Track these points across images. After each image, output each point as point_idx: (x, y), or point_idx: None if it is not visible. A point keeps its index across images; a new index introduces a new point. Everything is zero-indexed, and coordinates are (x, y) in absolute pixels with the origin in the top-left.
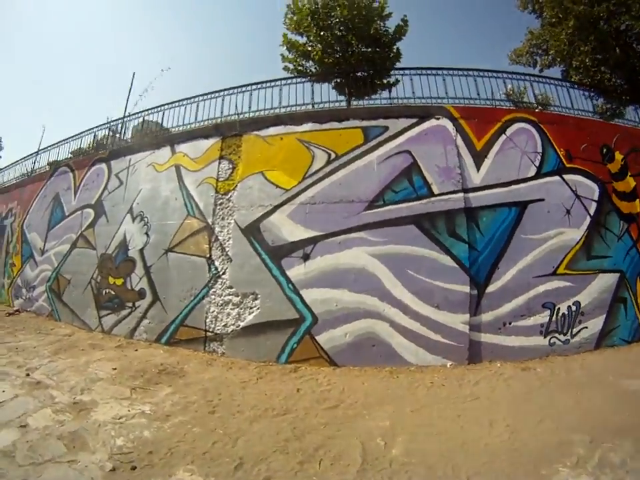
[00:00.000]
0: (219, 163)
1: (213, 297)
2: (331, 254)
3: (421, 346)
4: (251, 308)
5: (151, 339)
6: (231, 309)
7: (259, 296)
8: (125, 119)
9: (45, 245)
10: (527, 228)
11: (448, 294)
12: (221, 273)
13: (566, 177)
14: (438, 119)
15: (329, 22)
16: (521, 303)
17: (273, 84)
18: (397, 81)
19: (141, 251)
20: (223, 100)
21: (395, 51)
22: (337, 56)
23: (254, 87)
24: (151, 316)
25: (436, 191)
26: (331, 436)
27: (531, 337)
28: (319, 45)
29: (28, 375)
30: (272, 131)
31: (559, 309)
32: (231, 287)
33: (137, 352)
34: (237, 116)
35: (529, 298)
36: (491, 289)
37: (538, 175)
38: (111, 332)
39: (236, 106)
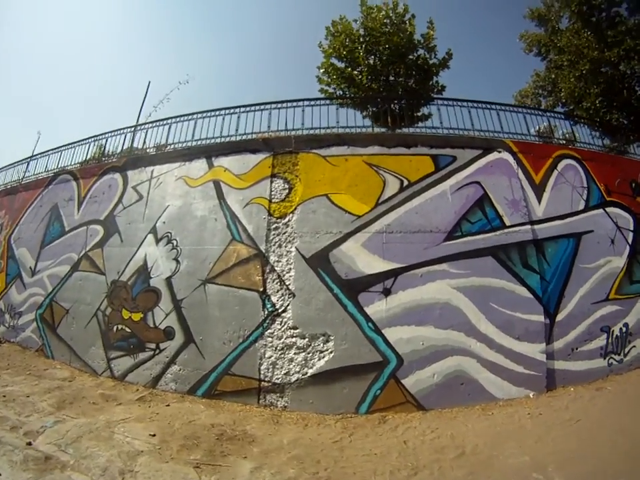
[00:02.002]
0: (271, 182)
1: (269, 339)
2: (414, 288)
3: (505, 379)
4: (321, 352)
5: (182, 389)
6: (294, 353)
7: (331, 337)
8: (146, 126)
9: (36, 263)
10: (582, 258)
11: (527, 325)
12: (280, 310)
13: (608, 209)
14: (500, 152)
15: (378, 47)
16: (584, 329)
17: (316, 102)
18: (431, 114)
19: (169, 280)
20: (270, 113)
21: (435, 82)
22: (383, 83)
23: (307, 102)
24: (182, 361)
25: (507, 223)
26: None
27: (593, 360)
28: (365, 70)
29: (29, 444)
30: (334, 150)
31: (613, 331)
32: (294, 328)
33: (169, 407)
34: (285, 132)
35: (590, 323)
36: (560, 317)
37: (586, 209)
38: (124, 379)
39: (286, 122)
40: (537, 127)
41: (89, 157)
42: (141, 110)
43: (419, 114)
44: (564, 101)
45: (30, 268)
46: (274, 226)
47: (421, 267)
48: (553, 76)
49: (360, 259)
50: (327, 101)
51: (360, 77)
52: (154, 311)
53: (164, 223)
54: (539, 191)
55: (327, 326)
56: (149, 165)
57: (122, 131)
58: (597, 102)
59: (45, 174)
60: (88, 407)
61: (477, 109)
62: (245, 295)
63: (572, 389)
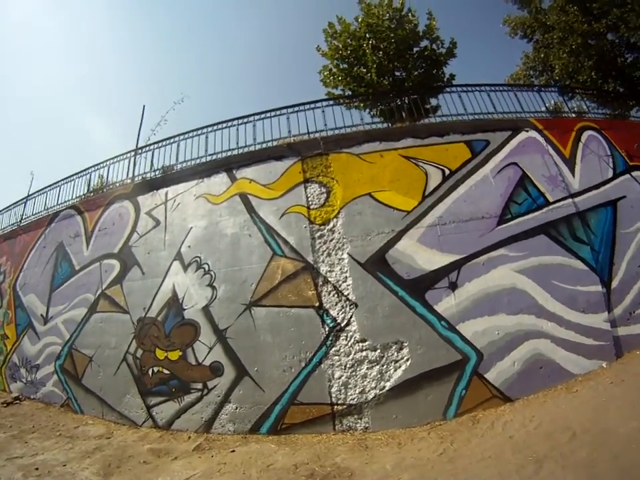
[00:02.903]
0: (305, 188)
1: (336, 357)
2: (478, 277)
3: (579, 354)
4: (396, 361)
5: (242, 429)
6: (367, 368)
7: (404, 344)
8: (151, 147)
9: (48, 310)
10: (621, 223)
11: (588, 296)
12: (342, 324)
13: (633, 174)
14: (527, 131)
15: (384, 43)
16: (637, 292)
17: (329, 103)
18: (439, 106)
19: (206, 309)
20: (288, 118)
21: (442, 73)
22: (394, 78)
23: (325, 103)
24: (237, 398)
25: (550, 199)
26: None
27: None
28: (373, 67)
29: None
30: (366, 147)
31: None
32: (362, 340)
33: (235, 454)
34: (307, 135)
35: None
36: (614, 284)
37: (614, 176)
38: (170, 427)
39: (312, 124)
40: (547, 105)
41: (90, 189)
42: (139, 135)
43: (428, 106)
44: (557, 78)
45: (41, 315)
46: (318, 234)
47: (480, 255)
48: (542, 55)
49: (419, 255)
50: (340, 102)
51: (369, 74)
52: (194, 346)
53: (189, 247)
54: (570, 164)
55: (398, 332)
56: (161, 187)
57: (124, 156)
58: (593, 74)
59: (45, 213)
60: (140, 469)
61: (496, 92)
62: (299, 314)
63: (638, 352)
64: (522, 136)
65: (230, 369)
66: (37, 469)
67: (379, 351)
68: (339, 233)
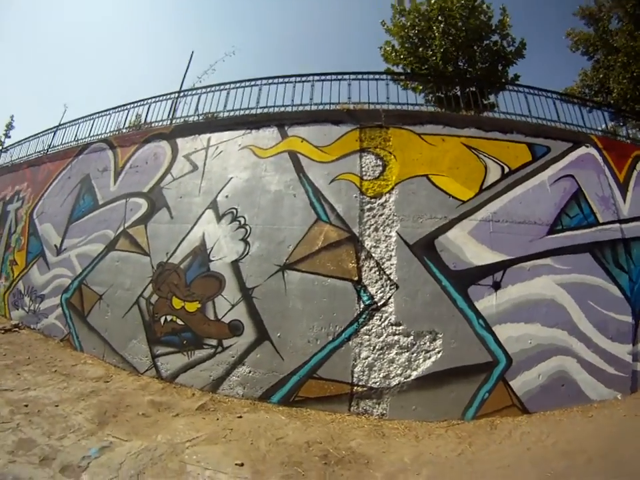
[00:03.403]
0: (361, 157)
1: (366, 337)
2: (522, 282)
3: (599, 380)
4: (427, 351)
5: (251, 395)
6: (396, 353)
7: (439, 335)
8: (198, 91)
9: (62, 241)
10: None
11: (619, 325)
12: (379, 303)
13: None
14: (587, 146)
15: (454, 29)
16: None
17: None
18: (496, 104)
19: (235, 264)
20: (349, 84)
21: (506, 72)
22: (457, 66)
23: (389, 77)
24: (253, 362)
25: (600, 220)
26: None
27: None
28: (439, 51)
29: None
30: (429, 129)
31: None
32: (397, 324)
33: (242, 420)
34: (367, 105)
35: None
36: None
37: None
38: (174, 380)
39: (372, 96)
40: (605, 126)
41: (125, 125)
42: (183, 80)
43: (486, 102)
44: (612, 101)
45: (55, 246)
46: (367, 206)
47: (527, 260)
48: (601, 76)
49: (468, 248)
50: (398, 79)
51: (434, 57)
52: (215, 300)
53: (226, 197)
54: (623, 189)
55: (435, 322)
56: (204, 133)
57: (166, 97)
58: None
59: (75, 144)
60: (138, 421)
61: (561, 100)
62: (335, 285)
63: None
64: (582, 150)
65: (250, 330)
66: (26, 405)
67: (411, 337)
68: (390, 210)
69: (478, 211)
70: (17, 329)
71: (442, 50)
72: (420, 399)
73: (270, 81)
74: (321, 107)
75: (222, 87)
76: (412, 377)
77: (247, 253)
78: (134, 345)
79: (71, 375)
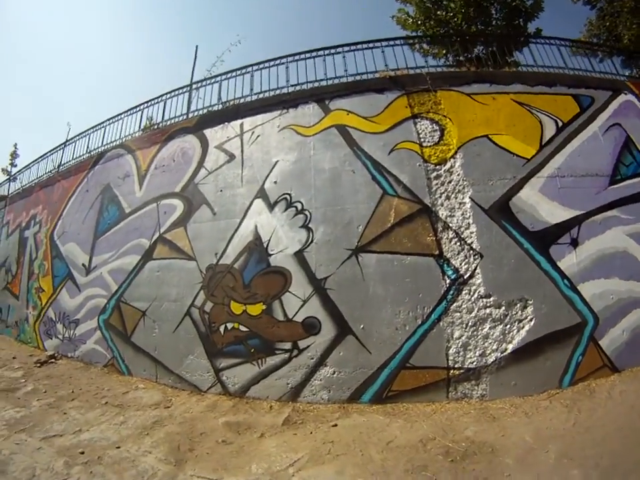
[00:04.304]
0: (415, 124)
1: (457, 314)
2: (595, 236)
3: None
4: (520, 321)
5: (338, 398)
6: (490, 327)
7: (529, 302)
8: (218, 78)
9: (91, 259)
10: None
11: None
12: (465, 276)
13: None
14: (626, 94)
15: None
16: None
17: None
18: (519, 62)
19: (300, 254)
20: (383, 51)
21: (525, 26)
22: (478, 26)
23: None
24: (336, 361)
25: None
26: None
27: None
28: (460, 12)
29: None
30: (476, 88)
31: None
32: (487, 296)
33: (338, 429)
34: (406, 71)
35: None
36: None
37: None
38: (244, 394)
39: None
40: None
41: (140, 128)
42: (192, 74)
43: (510, 59)
44: (623, 47)
45: (83, 265)
46: (434, 174)
47: (597, 214)
48: (607, 24)
49: (541, 207)
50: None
51: (455, 19)
52: (282, 298)
53: (275, 183)
54: None
55: (523, 289)
56: (233, 119)
57: (181, 90)
58: None
59: (88, 156)
60: (221, 452)
61: (594, 50)
62: (416, 262)
63: None
64: (622, 98)
65: (329, 325)
66: (82, 452)
67: (503, 308)
68: (458, 175)
69: (543, 167)
70: (53, 360)
71: (462, 10)
72: (518, 372)
73: (297, 57)
74: (357, 78)
75: (244, 70)
76: (508, 351)
77: (312, 241)
78: (191, 361)
79: (125, 406)
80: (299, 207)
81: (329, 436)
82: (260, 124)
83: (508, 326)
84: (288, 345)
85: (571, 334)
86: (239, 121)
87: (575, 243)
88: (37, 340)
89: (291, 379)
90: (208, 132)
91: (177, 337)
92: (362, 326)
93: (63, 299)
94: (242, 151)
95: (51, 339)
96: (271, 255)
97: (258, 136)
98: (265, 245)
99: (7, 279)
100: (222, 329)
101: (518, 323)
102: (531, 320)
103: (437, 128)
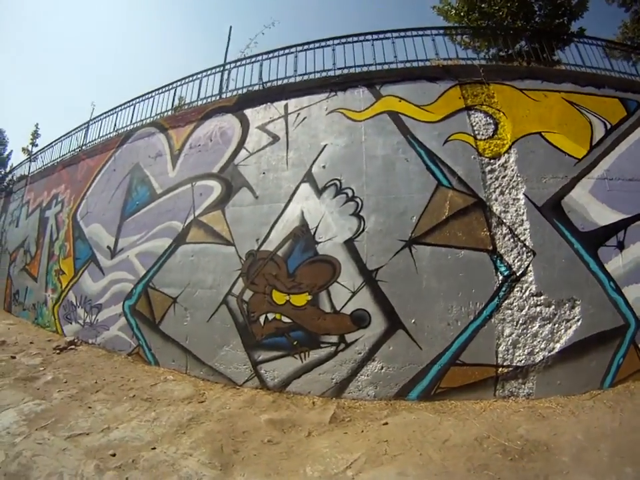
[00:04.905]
0: (469, 115)
1: (508, 311)
2: None
3: None
4: (568, 321)
5: (386, 394)
6: (539, 326)
7: (577, 302)
8: (259, 57)
9: (117, 241)
10: None
11: None
12: (518, 273)
13: None
14: None
15: None
16: None
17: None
18: (560, 61)
19: (349, 243)
20: (433, 40)
21: (568, 25)
22: (521, 21)
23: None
24: (385, 356)
25: None
26: None
27: None
28: (506, 5)
29: None
30: (529, 84)
31: None
32: (538, 294)
33: (389, 427)
34: (460, 61)
35: None
36: None
37: None
38: (284, 389)
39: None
40: None
41: (169, 108)
42: (226, 55)
43: (553, 58)
44: None
45: (108, 248)
46: (488, 168)
47: None
48: None
49: (591, 208)
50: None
51: (500, 12)
52: (330, 289)
53: (324, 167)
54: None
55: (573, 289)
56: (276, 100)
57: (216, 70)
58: None
59: (115, 134)
60: (268, 453)
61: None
62: (470, 257)
63: None
64: None
65: (379, 319)
66: (113, 455)
67: (553, 307)
68: (513, 170)
69: (593, 168)
70: (73, 346)
71: (507, 4)
72: (563, 372)
73: (344, 40)
74: (407, 65)
75: (287, 50)
76: (556, 350)
77: (363, 230)
78: (226, 352)
79: (155, 399)
80: (350, 193)
81: (381, 435)
82: (306, 106)
83: (556, 325)
84: (334, 338)
85: (614, 336)
86: (283, 102)
87: (621, 246)
88: (55, 324)
89: (336, 374)
90: (249, 112)
91: (211, 326)
92: (413, 320)
93: (84, 283)
94: (287, 133)
95: (71, 323)
96: (318, 242)
97: (304, 118)
98: (312, 232)
99: (25, 260)
100: (262, 319)
101: (566, 323)
102: (578, 320)
103: (491, 121)
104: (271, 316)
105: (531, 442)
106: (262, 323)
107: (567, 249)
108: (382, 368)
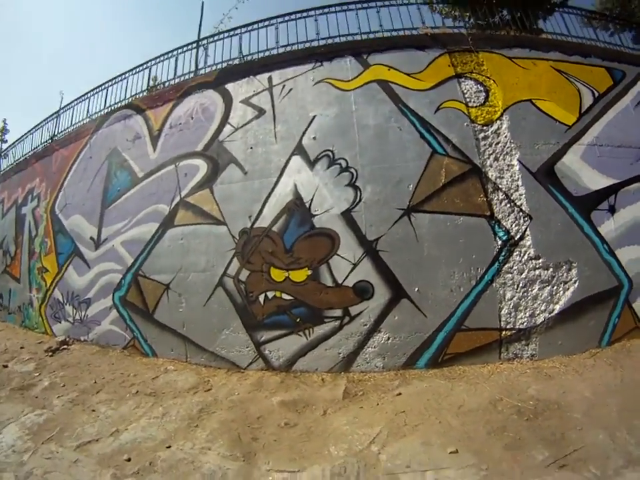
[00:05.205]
0: (459, 83)
1: (508, 275)
2: (631, 205)
3: None
4: (565, 282)
5: (394, 365)
6: (539, 288)
7: (574, 264)
8: (238, 31)
9: (100, 231)
10: None
11: None
12: (516, 238)
13: None
14: None
15: None
16: None
17: None
18: (541, 30)
19: (347, 214)
20: (419, 8)
21: None
22: None
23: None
24: (390, 326)
25: None
26: None
27: None
28: None
29: None
30: (517, 52)
31: None
32: (537, 257)
33: (403, 397)
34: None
35: None
36: None
37: None
38: (290, 368)
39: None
40: None
41: (144, 88)
42: (199, 32)
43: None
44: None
45: (91, 239)
46: (481, 135)
47: (631, 184)
48: None
49: (583, 173)
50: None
51: None
52: (330, 262)
53: (314, 138)
54: None
55: (569, 251)
56: (259, 73)
57: (190, 46)
58: None
59: (88, 120)
60: (288, 437)
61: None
62: (468, 223)
63: None
64: None
65: (382, 289)
66: (128, 460)
67: (551, 269)
68: (506, 137)
69: (583, 135)
70: (65, 346)
71: None
72: (564, 332)
73: (327, 10)
74: (393, 34)
75: (267, 22)
76: (555, 311)
77: (360, 200)
78: (227, 336)
79: (159, 393)
80: (344, 164)
81: (397, 406)
82: (291, 77)
83: (555, 287)
84: (338, 312)
85: (609, 296)
86: (267, 74)
87: (612, 210)
88: (44, 325)
89: (343, 348)
90: (231, 86)
91: (209, 310)
92: (417, 288)
93: (70, 278)
94: (273, 106)
95: (60, 322)
96: (314, 215)
97: (290, 89)
98: (307, 205)
99: (5, 262)
100: (261, 298)
101: (564, 285)
102: (575, 282)
103: (482, 89)
104: (270, 294)
105: (543, 401)
106: (262, 302)
107: (561, 213)
108: (388, 338)
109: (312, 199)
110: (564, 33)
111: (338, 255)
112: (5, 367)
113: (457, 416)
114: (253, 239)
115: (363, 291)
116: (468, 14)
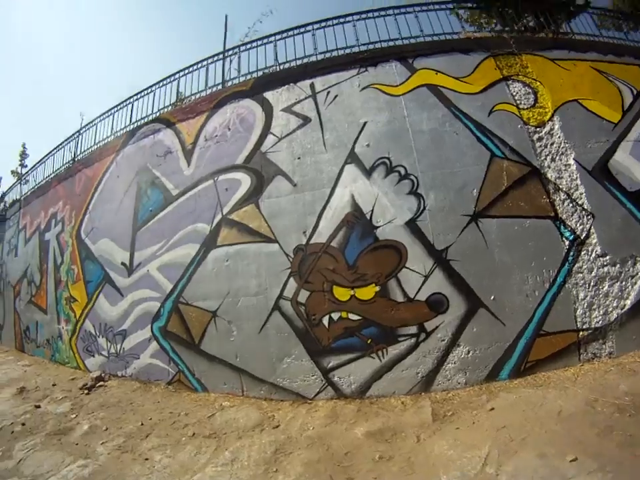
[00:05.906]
0: (507, 85)
1: (579, 275)
2: None
3: None
4: (632, 277)
5: (476, 379)
6: (609, 285)
7: (638, 258)
8: (271, 39)
9: (132, 256)
10: None
11: None
12: (582, 236)
13: None
14: None
15: None
16: None
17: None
18: (568, 33)
19: (411, 224)
20: (446, 14)
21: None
22: None
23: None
24: (469, 339)
25: None
26: None
27: None
28: None
29: None
30: (557, 54)
31: None
32: (603, 255)
33: (496, 412)
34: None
35: None
36: None
37: None
38: (364, 394)
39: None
40: None
41: (172, 101)
42: (224, 45)
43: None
44: None
45: (123, 264)
46: (536, 136)
47: None
48: None
49: (635, 169)
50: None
51: None
52: (398, 276)
53: (368, 146)
54: None
55: (631, 246)
56: (300, 80)
57: (218, 57)
58: None
59: (113, 137)
60: (389, 470)
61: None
62: (535, 225)
63: None
64: None
65: (457, 300)
66: None
67: (618, 265)
68: (559, 137)
69: (629, 131)
70: (102, 383)
71: None
72: (637, 327)
73: (364, 15)
74: (435, 38)
75: (303, 29)
76: (627, 307)
77: (424, 208)
78: (289, 364)
79: (220, 434)
80: (402, 171)
81: (495, 422)
82: (335, 83)
83: (624, 283)
84: (413, 329)
85: None
86: (308, 81)
87: None
88: (75, 359)
89: (421, 367)
90: (269, 95)
91: (265, 337)
92: (492, 297)
93: (101, 308)
94: (318, 113)
95: (93, 356)
96: (377, 227)
97: (335, 96)
98: (367, 217)
99: (30, 292)
100: (326, 320)
101: (631, 279)
102: None
103: (530, 90)
104: (335, 315)
105: (638, 396)
106: (326, 325)
107: (620, 209)
108: (469, 352)
109: (372, 210)
110: (589, 33)
111: (407, 267)
112: (38, 407)
113: (560, 423)
114: (310, 256)
115: (437, 304)
116: (495, 20)
